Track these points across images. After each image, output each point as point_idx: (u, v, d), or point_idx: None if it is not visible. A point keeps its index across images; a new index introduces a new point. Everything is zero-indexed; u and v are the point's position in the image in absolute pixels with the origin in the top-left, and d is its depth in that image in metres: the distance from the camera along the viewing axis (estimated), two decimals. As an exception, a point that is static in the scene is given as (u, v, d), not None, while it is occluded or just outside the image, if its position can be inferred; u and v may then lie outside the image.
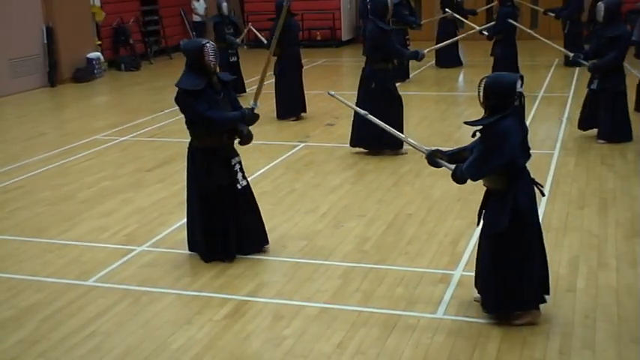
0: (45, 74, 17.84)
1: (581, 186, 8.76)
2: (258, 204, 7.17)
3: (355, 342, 5.51)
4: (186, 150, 6.96)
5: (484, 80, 5.37)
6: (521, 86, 5.32)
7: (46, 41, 17.72)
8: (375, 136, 9.59)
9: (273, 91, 13.11)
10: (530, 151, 5.55)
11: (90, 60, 18.70)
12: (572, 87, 14.90)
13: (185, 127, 6.90)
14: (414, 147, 6.00)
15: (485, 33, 14.66)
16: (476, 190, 8.74)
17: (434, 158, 5.71)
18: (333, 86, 16.08)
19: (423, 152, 5.79)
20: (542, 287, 5.63)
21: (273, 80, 13.05)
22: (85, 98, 16.64)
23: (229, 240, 6.94)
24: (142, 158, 10.98)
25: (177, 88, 6.71)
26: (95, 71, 18.76)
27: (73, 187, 9.68)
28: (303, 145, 11.28)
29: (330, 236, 7.56)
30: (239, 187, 6.89)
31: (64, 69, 18.19)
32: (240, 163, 6.96)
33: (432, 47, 12.20)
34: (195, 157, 6.82)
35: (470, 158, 5.44)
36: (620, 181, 8.88)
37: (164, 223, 8.14)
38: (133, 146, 11.78)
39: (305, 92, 13.22)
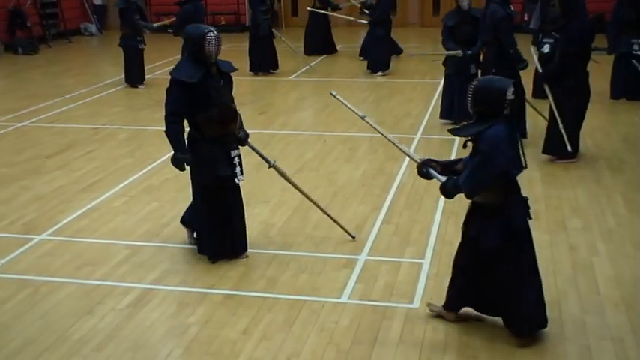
0: (-64, 57, 17.14)
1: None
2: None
3: (260, 328, 5.52)
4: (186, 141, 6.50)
5: (474, 84, 5.04)
6: (513, 93, 4.96)
7: (-63, 23, 17.02)
8: None
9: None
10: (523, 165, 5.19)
11: (-16, 43, 18.07)
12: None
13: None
14: (407, 154, 5.67)
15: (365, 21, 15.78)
16: (377, 176, 8.92)
17: (426, 168, 5.30)
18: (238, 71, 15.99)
19: (416, 161, 5.41)
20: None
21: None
22: (-20, 83, 16.06)
23: (236, 235, 6.64)
24: (41, 145, 10.68)
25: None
26: (-10, 55, 18.14)
27: (-32, 174, 9.35)
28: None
29: (235, 223, 7.53)
30: (237, 181, 6.53)
31: (-43, 52, 17.51)
32: (239, 157, 6.54)
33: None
34: (195, 147, 6.38)
35: (465, 172, 5.06)
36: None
37: (64, 211, 7.94)
38: (31, 132, 11.44)
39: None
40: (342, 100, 6.33)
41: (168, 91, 6.36)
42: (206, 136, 6.34)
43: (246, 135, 6.64)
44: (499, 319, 5.40)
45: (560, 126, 8.83)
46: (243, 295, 6.04)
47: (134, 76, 14.64)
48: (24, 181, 9.04)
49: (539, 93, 11.30)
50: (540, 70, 9.47)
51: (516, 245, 5.14)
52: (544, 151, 9.29)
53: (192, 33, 6.34)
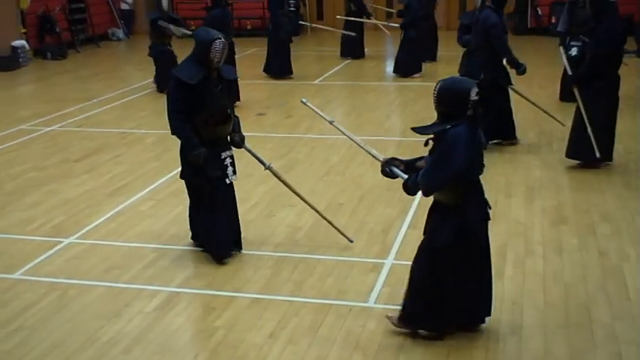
0: (-33, 63, 17.31)
1: (508, 175, 8.92)
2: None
3: (287, 332, 5.51)
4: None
5: (439, 84, 5.04)
6: (477, 94, 4.96)
7: (-32, 29, 17.21)
8: None
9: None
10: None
11: (15, 48, 18.18)
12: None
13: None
14: (371, 155, 5.74)
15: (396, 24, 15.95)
16: (406, 179, 8.86)
17: (389, 167, 5.41)
18: (262, 76, 16.01)
19: (379, 160, 5.52)
20: (479, 309, 5.37)
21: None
22: (10, 87, 16.19)
23: (231, 234, 6.80)
24: (69, 148, 10.76)
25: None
26: (20, 60, 18.25)
27: (-3, 178, 9.44)
28: (234, 135, 11.18)
29: (261, 226, 7.54)
30: (227, 181, 6.66)
31: (-13, 58, 17.67)
32: (231, 157, 6.70)
33: None
34: (184, 148, 6.57)
35: (424, 168, 5.10)
36: (546, 170, 9.07)
37: (92, 215, 7.99)
38: (59, 136, 11.53)
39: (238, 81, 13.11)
40: (311, 107, 6.51)
41: (169, 89, 6.53)
42: (202, 137, 6.48)
43: (242, 138, 6.78)
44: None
45: (589, 129, 8.66)
46: (269, 298, 6.04)
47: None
48: (52, 184, 9.11)
49: (566, 96, 11.21)
50: (570, 73, 9.36)
51: (470, 245, 5.13)
52: (568, 155, 9.12)
53: (201, 37, 6.49)
